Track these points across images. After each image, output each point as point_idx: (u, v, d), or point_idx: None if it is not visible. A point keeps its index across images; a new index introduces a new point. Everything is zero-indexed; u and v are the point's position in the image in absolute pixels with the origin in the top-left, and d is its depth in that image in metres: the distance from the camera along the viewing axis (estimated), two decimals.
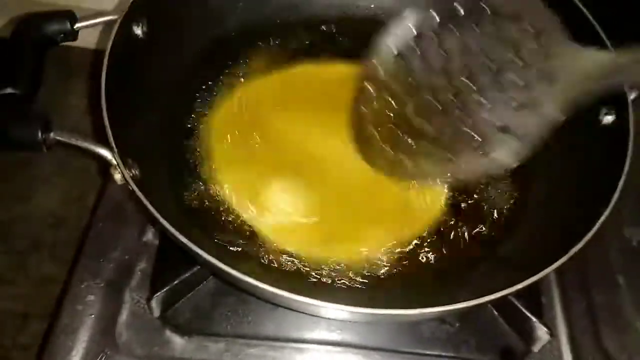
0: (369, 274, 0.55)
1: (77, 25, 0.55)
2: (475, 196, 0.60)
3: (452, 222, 0.58)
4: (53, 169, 0.76)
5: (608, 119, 0.54)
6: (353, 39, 0.69)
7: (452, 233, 0.58)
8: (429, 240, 0.57)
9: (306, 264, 0.55)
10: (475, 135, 0.48)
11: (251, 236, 0.56)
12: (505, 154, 0.47)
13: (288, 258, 0.55)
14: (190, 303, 0.58)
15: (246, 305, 0.57)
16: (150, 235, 0.62)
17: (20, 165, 0.76)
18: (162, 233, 0.59)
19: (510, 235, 0.57)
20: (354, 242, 0.57)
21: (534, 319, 0.55)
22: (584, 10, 0.57)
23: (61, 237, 0.71)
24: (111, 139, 0.46)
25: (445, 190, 0.60)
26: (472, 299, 0.42)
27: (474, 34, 0.49)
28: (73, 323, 0.56)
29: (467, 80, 0.49)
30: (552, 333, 0.56)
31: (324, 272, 0.54)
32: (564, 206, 0.55)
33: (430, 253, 0.56)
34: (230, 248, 0.55)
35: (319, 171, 0.60)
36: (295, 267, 0.54)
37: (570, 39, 0.44)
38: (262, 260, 0.55)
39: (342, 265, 0.55)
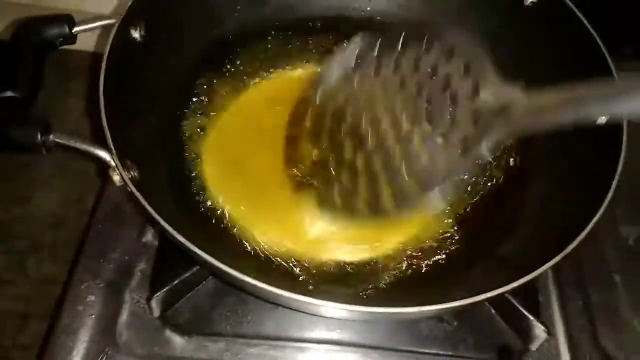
0: (369, 274, 0.55)
1: (76, 29, 0.55)
2: (474, 197, 0.60)
3: (451, 222, 0.59)
4: (52, 171, 0.76)
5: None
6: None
7: (450, 233, 0.58)
8: (428, 240, 0.57)
9: (305, 264, 0.55)
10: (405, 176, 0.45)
11: (251, 236, 0.56)
12: (436, 196, 0.44)
13: (287, 258, 0.55)
14: (190, 303, 0.58)
15: (246, 305, 0.58)
16: (149, 236, 0.62)
17: (20, 167, 0.76)
18: (162, 234, 0.60)
19: (510, 235, 0.57)
20: (353, 242, 0.57)
21: (531, 317, 0.55)
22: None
23: (61, 238, 0.71)
24: (109, 141, 0.46)
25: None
26: (469, 296, 0.43)
27: (409, 65, 0.46)
28: (73, 323, 0.56)
29: (399, 116, 0.46)
30: (550, 331, 0.56)
31: (322, 272, 0.55)
32: (561, 206, 0.55)
33: (430, 253, 0.57)
34: (230, 248, 0.55)
35: None
36: (294, 267, 0.55)
37: (501, 76, 0.41)
38: (262, 260, 0.55)
39: (342, 264, 0.55)
